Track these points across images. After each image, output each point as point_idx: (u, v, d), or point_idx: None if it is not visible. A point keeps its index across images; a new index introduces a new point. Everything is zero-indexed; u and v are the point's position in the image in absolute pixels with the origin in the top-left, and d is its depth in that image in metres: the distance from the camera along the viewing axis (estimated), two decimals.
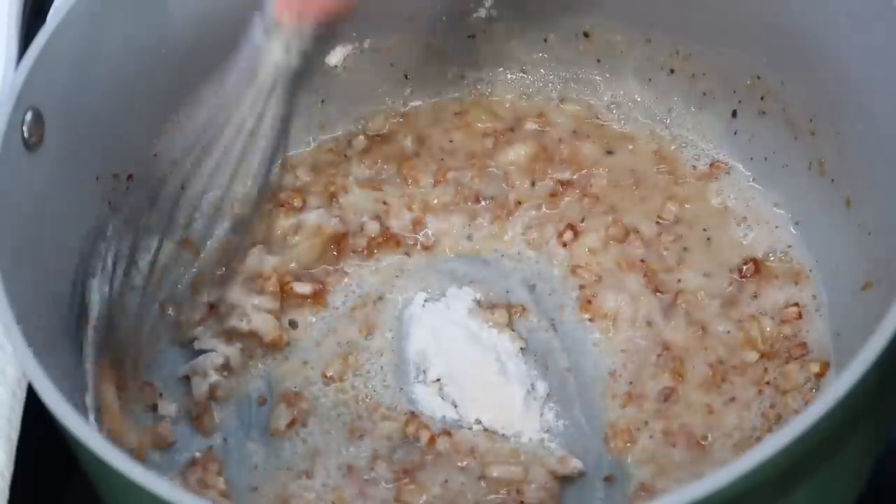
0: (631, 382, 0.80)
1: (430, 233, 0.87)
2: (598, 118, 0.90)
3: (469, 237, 0.87)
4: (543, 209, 0.87)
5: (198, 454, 0.79)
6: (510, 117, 0.91)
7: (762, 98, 0.84)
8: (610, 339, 0.82)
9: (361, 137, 0.91)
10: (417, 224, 0.87)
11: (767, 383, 0.79)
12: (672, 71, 0.88)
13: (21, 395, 0.77)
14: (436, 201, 0.88)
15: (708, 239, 0.85)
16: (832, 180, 0.80)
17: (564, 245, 0.85)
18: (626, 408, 0.79)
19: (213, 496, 0.76)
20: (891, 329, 0.59)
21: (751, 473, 0.56)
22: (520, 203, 0.87)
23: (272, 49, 0.71)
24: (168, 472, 0.78)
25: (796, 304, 0.81)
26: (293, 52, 0.72)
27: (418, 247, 0.86)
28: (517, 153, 0.89)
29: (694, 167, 0.88)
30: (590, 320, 0.83)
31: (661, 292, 0.83)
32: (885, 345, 0.59)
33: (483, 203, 0.87)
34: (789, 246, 0.83)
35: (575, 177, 0.87)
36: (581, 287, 0.84)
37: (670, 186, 0.87)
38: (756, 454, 0.56)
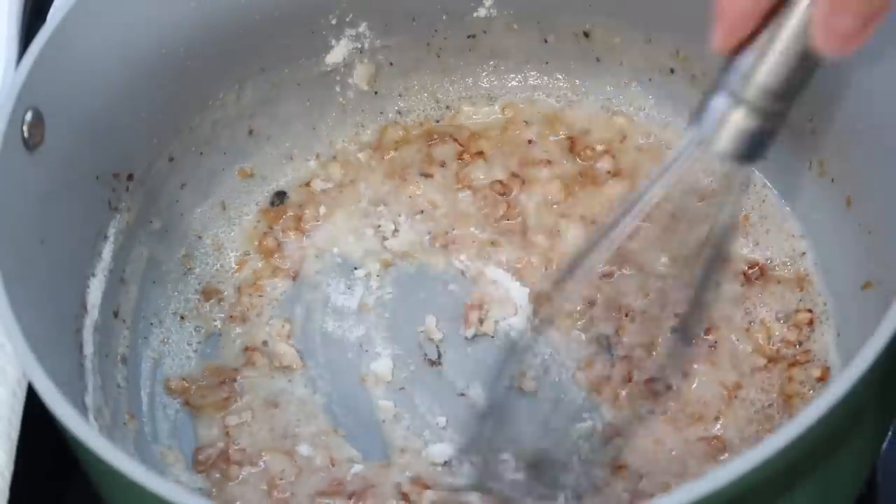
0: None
1: None
2: (602, 126, 0.89)
3: None
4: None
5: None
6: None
7: None
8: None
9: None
10: None
11: (764, 390, 0.78)
12: (672, 71, 0.88)
13: (21, 395, 0.77)
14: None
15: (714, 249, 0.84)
16: (832, 180, 0.80)
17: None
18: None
19: None
20: (891, 329, 0.59)
21: (751, 473, 0.56)
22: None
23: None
24: None
25: (803, 308, 0.80)
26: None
27: None
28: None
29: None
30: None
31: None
32: (885, 345, 0.59)
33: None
34: (790, 247, 0.83)
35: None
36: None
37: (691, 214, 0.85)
38: (756, 454, 0.56)
